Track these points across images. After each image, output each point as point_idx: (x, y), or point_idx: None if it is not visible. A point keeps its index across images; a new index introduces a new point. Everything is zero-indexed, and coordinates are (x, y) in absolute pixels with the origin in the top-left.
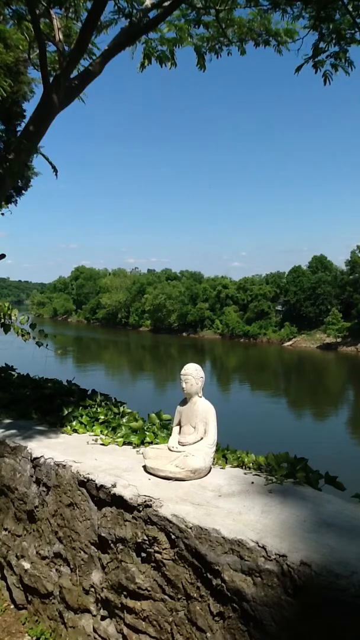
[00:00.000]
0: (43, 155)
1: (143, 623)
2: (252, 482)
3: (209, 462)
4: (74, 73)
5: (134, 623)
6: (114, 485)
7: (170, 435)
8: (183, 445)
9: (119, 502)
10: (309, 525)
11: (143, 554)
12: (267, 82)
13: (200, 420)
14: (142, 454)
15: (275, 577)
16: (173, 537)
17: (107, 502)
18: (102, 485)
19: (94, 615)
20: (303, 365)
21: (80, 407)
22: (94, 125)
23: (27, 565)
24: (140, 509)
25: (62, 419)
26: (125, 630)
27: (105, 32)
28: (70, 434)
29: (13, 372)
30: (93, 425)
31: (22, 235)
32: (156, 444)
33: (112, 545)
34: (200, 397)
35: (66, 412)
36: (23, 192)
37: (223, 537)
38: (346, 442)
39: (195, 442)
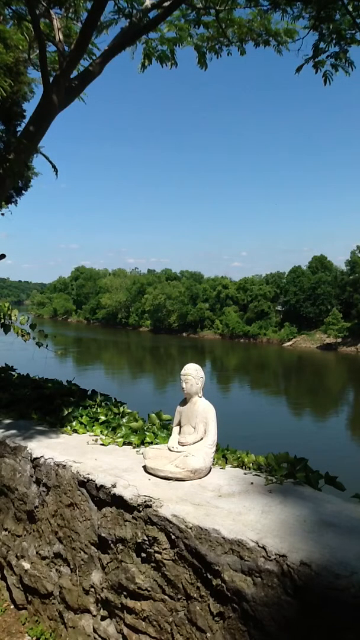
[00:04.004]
0: (43, 155)
1: (143, 623)
2: (252, 483)
3: (209, 462)
4: (74, 73)
5: (134, 623)
6: (114, 486)
7: (170, 435)
8: (183, 446)
9: (119, 502)
10: (309, 525)
11: (143, 554)
12: (267, 83)
13: (200, 421)
14: (142, 454)
15: (275, 577)
16: (173, 537)
17: (107, 502)
18: (102, 486)
19: (94, 616)
20: (303, 365)
21: (80, 408)
22: (94, 125)
23: (27, 565)
24: (140, 509)
25: (62, 419)
26: (125, 630)
27: (105, 32)
28: (70, 434)
29: (13, 372)
30: (93, 426)
31: (22, 236)
32: (156, 444)
33: (112, 545)
34: (200, 397)
35: (66, 412)
36: (23, 192)
37: (223, 537)
38: (346, 442)
39: (195, 442)
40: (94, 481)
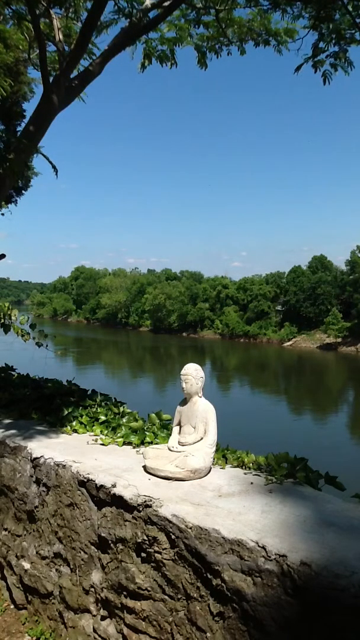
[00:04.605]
0: (43, 155)
1: (143, 623)
2: (252, 482)
3: (209, 462)
4: (74, 73)
5: (134, 623)
6: (114, 485)
7: (170, 435)
8: (183, 445)
9: (119, 502)
10: (309, 525)
11: (143, 554)
12: (267, 84)
13: (200, 420)
14: (142, 454)
15: (275, 577)
16: (173, 537)
17: (107, 502)
18: (102, 485)
19: (94, 615)
20: (303, 365)
21: (80, 407)
22: (94, 125)
23: (27, 565)
24: (140, 509)
25: (62, 419)
26: (125, 630)
27: (105, 32)
28: (70, 434)
29: (13, 372)
30: (93, 425)
31: (22, 235)
32: (156, 444)
33: (112, 545)
34: (200, 397)
35: (66, 412)
36: (23, 192)
37: (223, 537)
38: (346, 441)
39: (195, 442)
40: (94, 481)
